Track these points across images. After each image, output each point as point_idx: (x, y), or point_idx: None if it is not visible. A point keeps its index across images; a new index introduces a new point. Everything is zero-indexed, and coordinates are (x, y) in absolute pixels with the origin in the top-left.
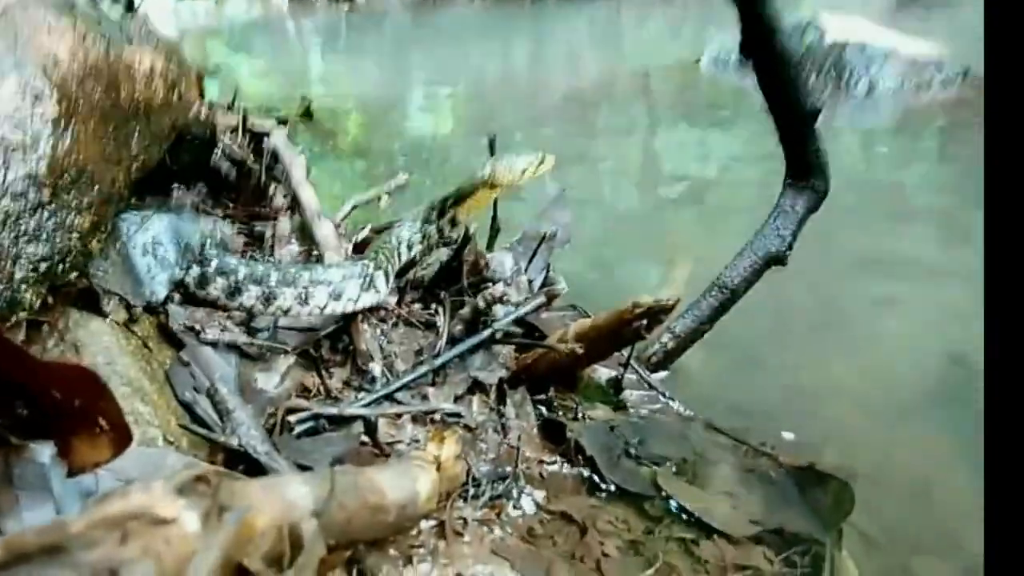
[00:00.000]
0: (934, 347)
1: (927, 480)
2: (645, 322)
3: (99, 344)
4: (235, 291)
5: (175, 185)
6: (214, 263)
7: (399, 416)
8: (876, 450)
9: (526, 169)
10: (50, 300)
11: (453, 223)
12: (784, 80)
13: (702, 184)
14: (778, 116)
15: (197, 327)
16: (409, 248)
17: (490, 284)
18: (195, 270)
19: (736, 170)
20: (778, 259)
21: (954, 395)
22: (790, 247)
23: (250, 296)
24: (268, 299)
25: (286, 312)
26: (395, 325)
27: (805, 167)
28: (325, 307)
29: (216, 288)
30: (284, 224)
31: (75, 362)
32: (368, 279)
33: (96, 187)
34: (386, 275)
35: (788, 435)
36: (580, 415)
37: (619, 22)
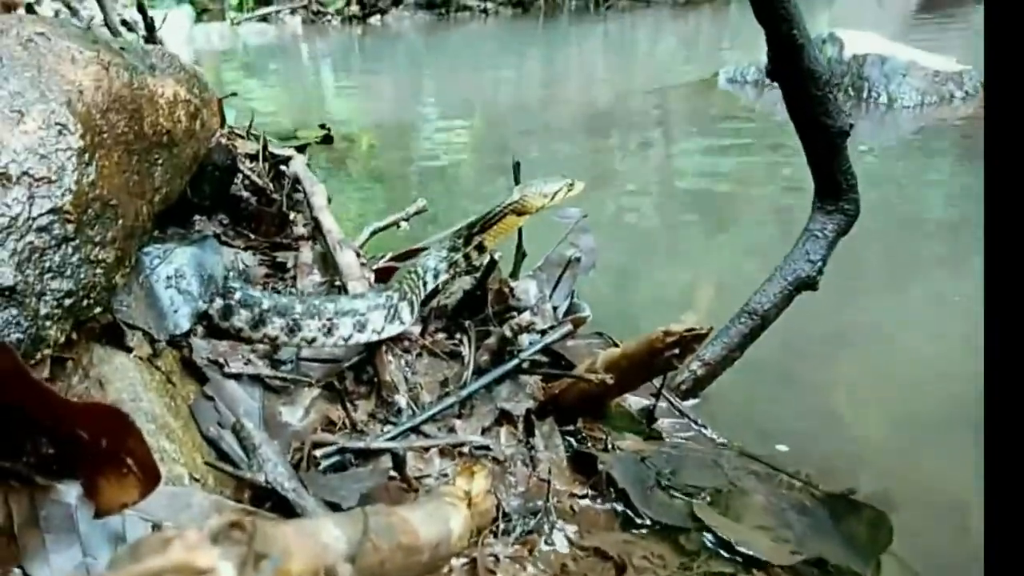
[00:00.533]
0: (961, 368)
1: (965, 505)
2: (677, 351)
3: (124, 380)
4: (259, 322)
5: (196, 216)
6: (238, 294)
7: (427, 449)
8: (912, 473)
9: (555, 195)
10: (74, 336)
11: (480, 250)
12: (813, 99)
13: (723, 203)
14: (806, 136)
15: (221, 360)
16: (435, 277)
17: (515, 313)
18: (218, 302)
19: (756, 189)
20: (808, 284)
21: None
22: (820, 272)
23: (274, 327)
24: (292, 330)
25: (311, 343)
26: (419, 355)
27: (835, 189)
28: (350, 338)
29: (240, 319)
30: (306, 253)
31: (101, 400)
32: (393, 309)
33: (120, 220)
34: (411, 305)
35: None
36: (610, 446)
37: (633, 39)
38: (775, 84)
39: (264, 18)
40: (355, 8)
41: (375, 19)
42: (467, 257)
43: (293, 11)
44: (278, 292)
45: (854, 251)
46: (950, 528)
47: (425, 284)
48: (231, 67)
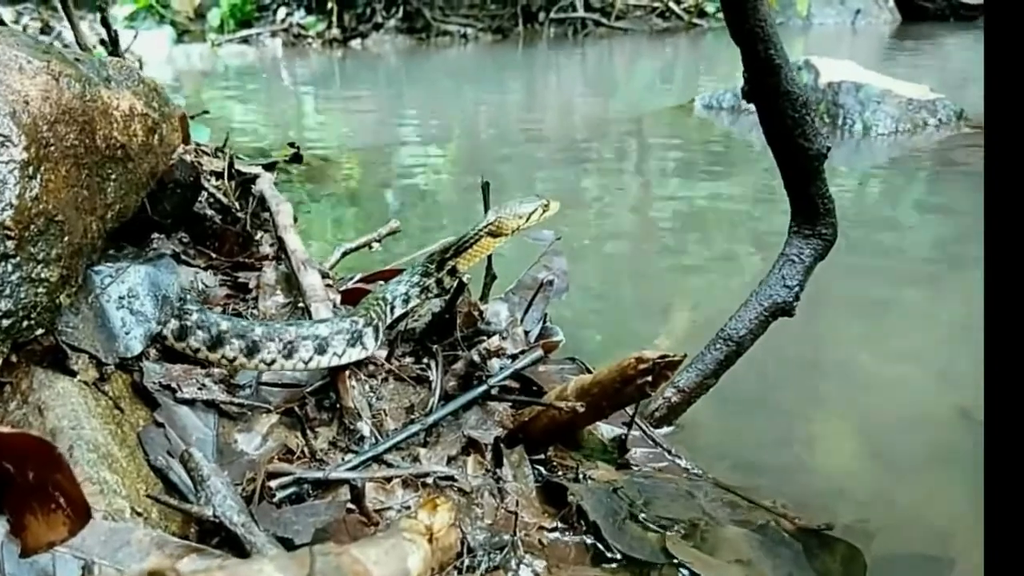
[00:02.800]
0: (939, 398)
1: (944, 539)
2: (650, 378)
3: (66, 406)
4: (217, 343)
5: (155, 234)
6: (194, 315)
7: (388, 480)
8: (891, 507)
9: (531, 215)
10: (13, 359)
11: (453, 273)
12: (790, 121)
13: (698, 228)
14: (783, 159)
15: (173, 385)
16: (405, 302)
17: (485, 337)
18: (174, 323)
19: (731, 214)
20: (785, 310)
21: (965, 450)
22: (797, 297)
23: (232, 348)
24: (251, 352)
25: (270, 365)
26: (385, 380)
27: (812, 212)
28: (310, 361)
29: (197, 340)
30: (269, 273)
31: (39, 428)
32: (356, 335)
33: (67, 237)
34: (375, 331)
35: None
36: (581, 475)
37: (611, 66)
38: (751, 108)
39: (245, 40)
40: (336, 31)
41: (356, 42)
42: (439, 282)
43: (274, 34)
44: (239, 315)
45: (828, 277)
46: (929, 563)
47: (393, 309)
48: (212, 87)
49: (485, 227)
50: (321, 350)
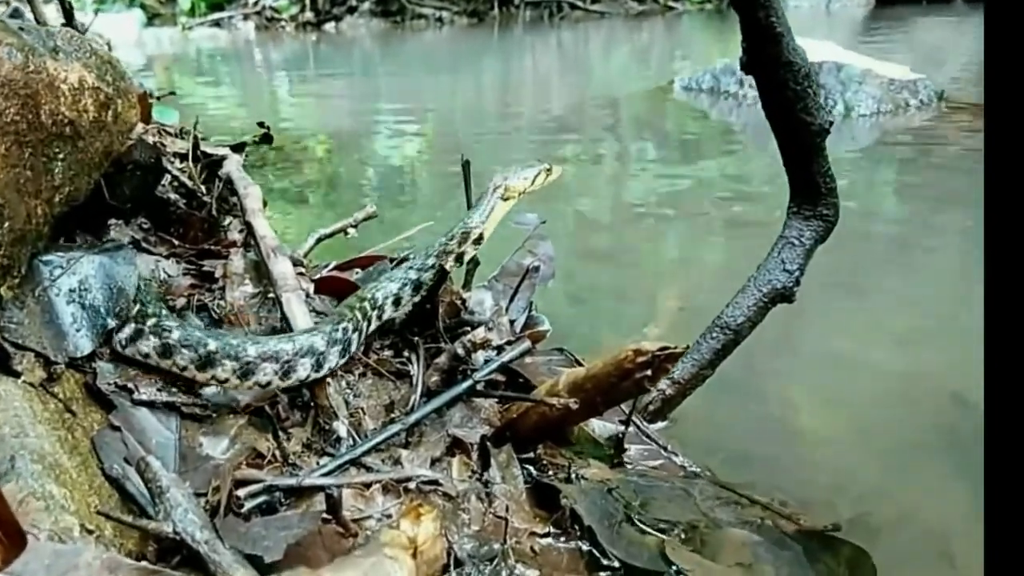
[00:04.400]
0: (932, 383)
1: (945, 534)
2: (648, 372)
3: (8, 411)
4: (168, 351)
5: (112, 221)
6: (150, 321)
7: (368, 486)
8: (890, 500)
9: (535, 179)
10: None
11: (479, 242)
12: (792, 94)
13: (682, 211)
14: (782, 135)
15: (131, 385)
16: (396, 304)
17: (469, 328)
18: (129, 328)
19: (716, 196)
20: (785, 296)
21: (961, 437)
22: (798, 282)
23: (183, 358)
24: (204, 366)
25: (222, 383)
26: (363, 375)
27: (813, 192)
28: (268, 385)
29: (147, 346)
30: (237, 262)
31: None
32: (321, 357)
33: (7, 223)
34: (343, 348)
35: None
36: (574, 475)
37: (588, 49)
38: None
39: (217, 23)
40: (309, 14)
41: (329, 26)
42: (459, 257)
43: (246, 17)
44: (203, 307)
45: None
46: (931, 559)
47: (380, 313)
48: (184, 72)
49: (494, 192)
50: (285, 374)
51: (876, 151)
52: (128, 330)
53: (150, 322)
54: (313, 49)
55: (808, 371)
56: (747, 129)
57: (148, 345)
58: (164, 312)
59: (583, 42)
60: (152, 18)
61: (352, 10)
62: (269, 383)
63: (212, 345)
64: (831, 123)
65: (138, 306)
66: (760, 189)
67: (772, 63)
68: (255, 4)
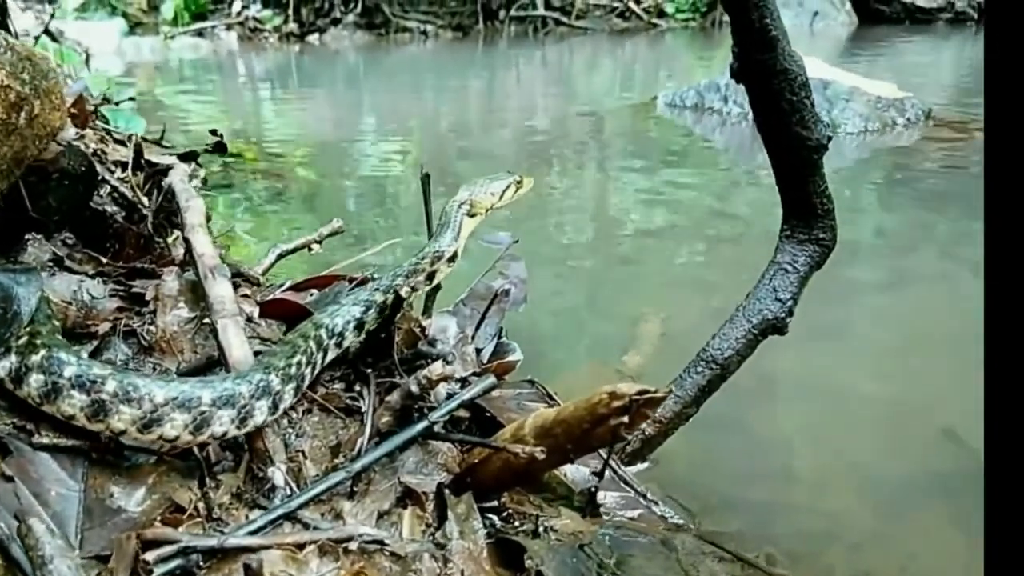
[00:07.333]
0: (919, 418)
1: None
2: (625, 418)
3: None
4: (53, 392)
5: (30, 235)
6: (38, 355)
7: (301, 547)
8: (885, 549)
9: (503, 193)
10: None
11: (453, 260)
12: (787, 105)
13: (665, 231)
14: (777, 151)
15: (30, 426)
16: (359, 330)
17: (426, 360)
18: (12, 360)
19: (699, 216)
20: (776, 327)
21: (955, 477)
22: (791, 313)
23: (72, 404)
24: (96, 414)
25: (118, 435)
26: (308, 411)
27: (808, 214)
28: (176, 440)
29: (32, 384)
30: (171, 283)
31: None
32: (248, 409)
33: None
34: (276, 396)
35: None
36: (542, 527)
37: (571, 64)
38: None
39: (199, 33)
40: (293, 26)
41: (313, 37)
42: (430, 276)
43: (229, 27)
44: (131, 332)
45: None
46: None
47: (324, 353)
48: (166, 81)
49: (459, 207)
50: (197, 427)
51: (861, 169)
52: (8, 363)
53: (38, 355)
54: (296, 60)
55: (792, 405)
56: (731, 146)
57: (32, 384)
58: (61, 342)
59: (568, 57)
60: (134, 27)
61: (336, 22)
62: (177, 437)
63: (110, 386)
64: (830, 138)
65: (27, 336)
66: (746, 209)
67: (766, 71)
68: (238, 14)
